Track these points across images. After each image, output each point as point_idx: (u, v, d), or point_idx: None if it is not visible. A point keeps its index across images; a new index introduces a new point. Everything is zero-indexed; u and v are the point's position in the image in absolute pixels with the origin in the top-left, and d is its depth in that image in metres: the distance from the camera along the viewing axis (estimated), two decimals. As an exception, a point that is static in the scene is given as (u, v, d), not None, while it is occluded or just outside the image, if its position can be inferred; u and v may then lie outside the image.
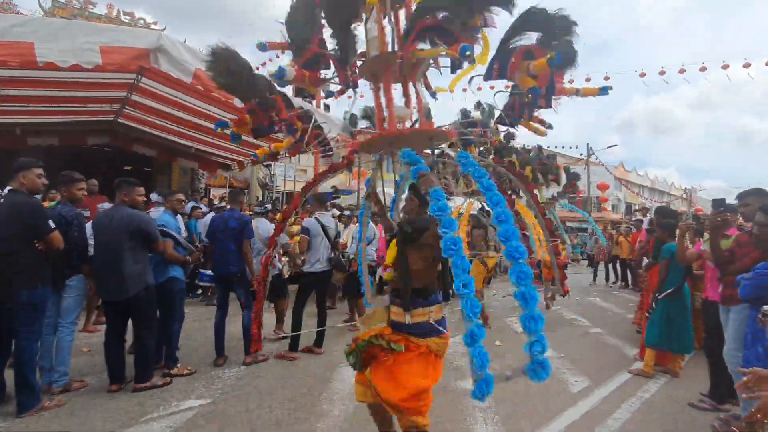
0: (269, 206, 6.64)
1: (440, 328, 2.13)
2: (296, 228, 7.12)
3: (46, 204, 4.10)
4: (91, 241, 3.45)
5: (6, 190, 2.94)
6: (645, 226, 8.30)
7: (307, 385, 3.66)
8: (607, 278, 11.65)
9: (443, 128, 2.48)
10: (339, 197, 14.78)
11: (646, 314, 4.27)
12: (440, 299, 2.21)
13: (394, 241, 2.23)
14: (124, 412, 3.07)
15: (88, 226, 3.63)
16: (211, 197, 11.21)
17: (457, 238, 1.75)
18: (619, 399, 3.55)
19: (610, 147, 52.43)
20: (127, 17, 12.40)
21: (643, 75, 11.02)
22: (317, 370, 4.05)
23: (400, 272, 2.14)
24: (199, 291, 6.74)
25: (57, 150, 8.58)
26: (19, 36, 4.26)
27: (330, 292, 6.44)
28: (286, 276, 4.99)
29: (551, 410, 3.26)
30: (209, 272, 3.90)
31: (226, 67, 2.71)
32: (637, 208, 18.19)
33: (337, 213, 7.13)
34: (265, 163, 9.02)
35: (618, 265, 10.96)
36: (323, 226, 4.47)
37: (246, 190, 12.18)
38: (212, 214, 6.28)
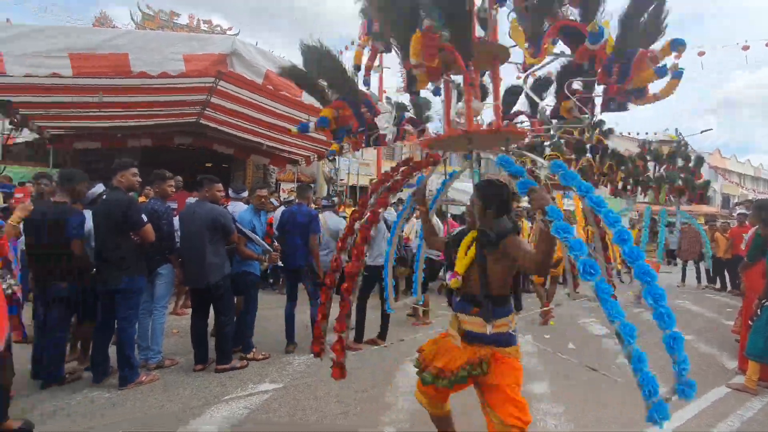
0: (336, 200, 6.81)
1: (517, 335, 2.08)
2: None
3: (142, 200, 4.56)
4: (179, 233, 3.79)
5: (108, 188, 3.32)
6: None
7: (372, 377, 3.72)
8: (698, 279, 10.46)
9: (522, 127, 2.28)
10: (401, 190, 14.79)
11: (749, 321, 3.76)
12: (513, 308, 2.13)
13: (466, 247, 2.12)
14: (208, 390, 3.35)
15: (176, 219, 3.98)
16: (281, 191, 11.80)
17: (596, 265, 1.57)
18: (714, 417, 3.16)
19: (704, 131, 46.82)
20: (206, 25, 13.37)
21: (746, 48, 9.63)
22: (381, 362, 4.10)
23: (479, 280, 2.04)
24: (271, 280, 7.13)
25: (150, 150, 9.54)
26: (116, 48, 4.71)
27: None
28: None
29: (633, 425, 2.99)
30: (279, 264, 4.10)
31: (320, 63, 2.54)
32: (738, 200, 16.02)
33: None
34: (330, 158, 9.27)
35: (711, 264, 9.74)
36: (384, 220, 4.49)
37: (312, 185, 12.66)
38: (283, 207, 6.59)
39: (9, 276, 3.19)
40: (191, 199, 5.06)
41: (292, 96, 5.49)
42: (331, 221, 4.69)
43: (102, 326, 3.36)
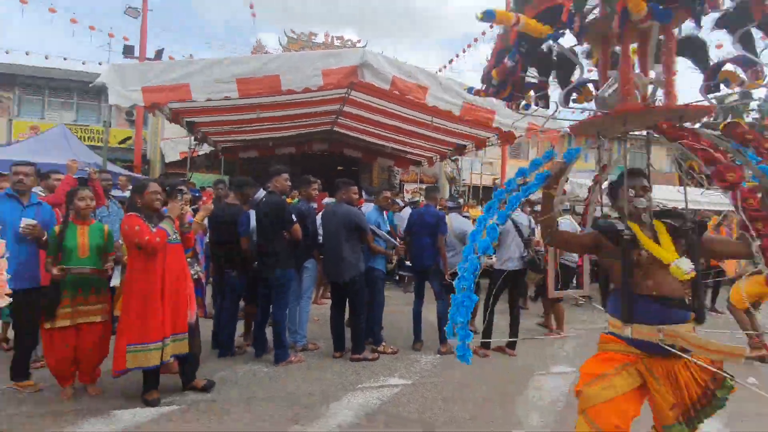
0: (462, 201, 6.75)
1: None
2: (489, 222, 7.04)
3: (289, 201, 5.21)
4: (321, 231, 4.23)
5: (266, 192, 3.88)
6: None
7: (501, 386, 3.59)
8: None
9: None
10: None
11: None
12: None
13: (665, 240, 1.80)
14: (344, 376, 3.65)
15: (318, 218, 4.44)
16: (404, 192, 12.19)
17: None
18: None
19: None
20: (339, 41, 14.54)
21: None
22: (510, 372, 3.93)
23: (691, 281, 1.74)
24: (396, 278, 7.42)
25: (294, 156, 10.83)
26: (270, 71, 5.41)
27: (521, 291, 6.15)
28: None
29: None
30: (408, 263, 4.25)
31: None
32: None
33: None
34: (452, 158, 9.24)
35: None
36: (514, 223, 4.28)
37: (436, 185, 12.80)
38: (408, 208, 6.81)
39: (196, 264, 3.98)
40: (328, 200, 5.57)
41: (416, 99, 5.63)
42: (457, 223, 4.66)
43: (261, 310, 3.94)
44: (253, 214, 3.91)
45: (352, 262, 3.87)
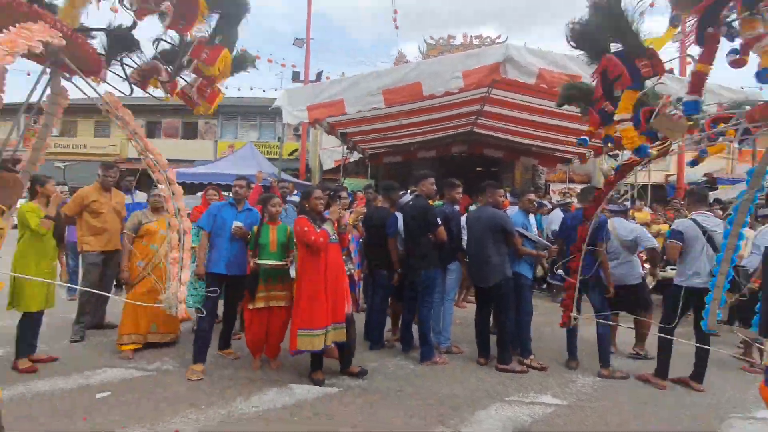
0: (628, 203, 5.89)
1: None
2: (661, 228, 6.00)
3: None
4: (464, 235, 4.21)
5: (413, 195, 4.04)
6: None
7: (682, 424, 3.01)
8: None
9: None
10: (716, 188, 11.38)
11: None
12: None
13: None
14: (490, 385, 3.55)
15: (463, 221, 4.42)
16: (551, 192, 11.23)
17: None
18: None
19: None
20: (477, 40, 14.27)
21: None
22: (694, 409, 3.25)
23: None
24: (544, 286, 6.88)
25: (434, 160, 11.06)
26: (411, 79, 5.62)
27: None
28: (651, 285, 4.28)
29: None
30: (561, 273, 3.88)
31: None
32: None
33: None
34: (611, 153, 8.13)
35: None
36: (705, 231, 3.51)
37: (591, 186, 11.47)
38: (558, 210, 6.26)
39: (349, 262, 4.37)
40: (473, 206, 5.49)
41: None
42: (622, 228, 4.08)
43: (408, 308, 4.11)
44: (400, 216, 4.11)
45: (498, 266, 3.74)
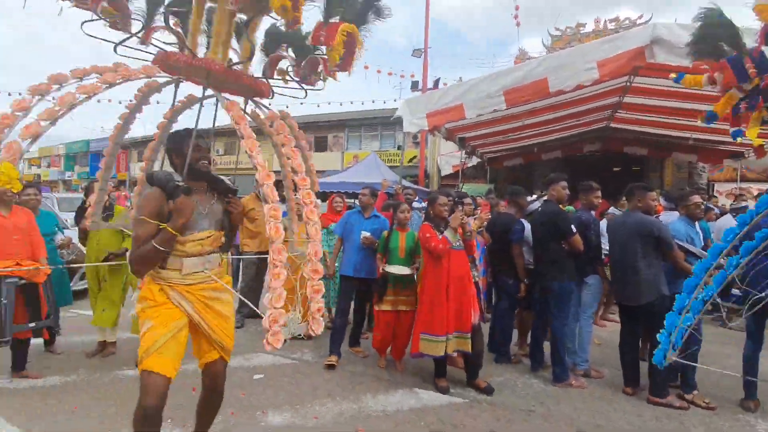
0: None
1: None
2: None
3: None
4: (605, 245, 3.75)
5: (542, 201, 3.75)
6: None
7: None
8: None
9: None
10: None
11: None
12: None
13: None
14: (640, 420, 3.07)
15: (603, 228, 3.95)
16: (715, 194, 9.34)
17: None
18: None
19: None
20: (613, 23, 12.74)
21: None
22: None
23: None
24: (710, 307, 5.71)
25: (560, 161, 10.17)
26: (536, 76, 5.26)
27: None
28: None
29: None
30: (737, 292, 3.15)
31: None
32: None
33: None
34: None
35: None
36: None
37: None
38: (729, 215, 5.16)
39: (474, 269, 4.26)
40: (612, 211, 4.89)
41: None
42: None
43: (539, 322, 3.82)
44: (527, 223, 3.86)
45: (650, 282, 3.22)
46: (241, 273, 5.44)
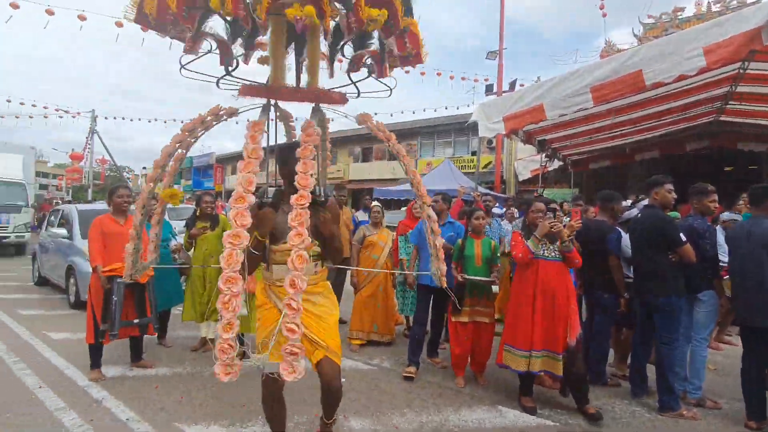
0: None
1: None
2: None
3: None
4: (723, 256, 3.26)
5: (642, 206, 3.37)
6: None
7: None
8: None
9: None
10: None
11: None
12: None
13: None
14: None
15: (721, 238, 3.45)
16: None
17: None
18: None
19: None
20: (718, 5, 11.28)
21: None
22: None
23: None
24: None
25: (657, 161, 9.16)
26: (629, 69, 4.79)
27: None
28: None
29: None
30: None
31: None
32: None
33: None
34: None
35: None
36: None
37: None
38: None
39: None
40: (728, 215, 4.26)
41: None
42: None
43: (641, 342, 3.40)
44: (622, 230, 3.50)
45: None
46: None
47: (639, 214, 3.40)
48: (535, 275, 3.10)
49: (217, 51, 2.31)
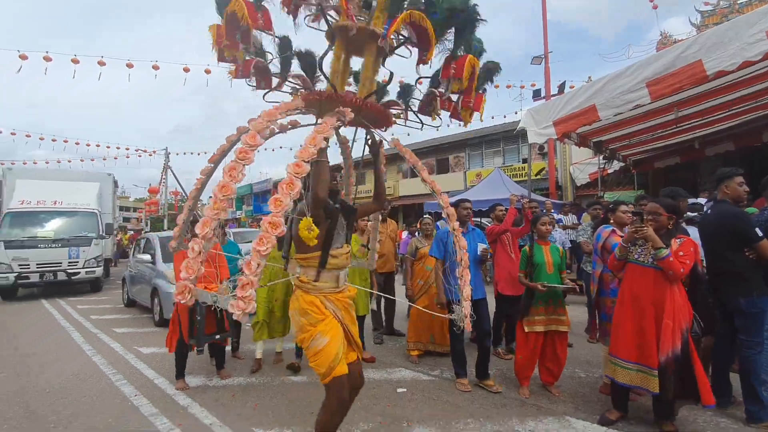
0: None
1: None
2: None
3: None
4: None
5: (712, 201, 3.17)
6: None
7: None
8: None
9: None
10: None
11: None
12: None
13: None
14: None
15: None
16: None
17: None
18: None
19: None
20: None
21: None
22: None
23: None
24: None
25: (732, 154, 8.40)
26: (687, 59, 4.54)
27: None
28: None
29: None
30: None
31: None
32: None
33: None
34: None
35: None
36: None
37: None
38: None
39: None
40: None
41: None
42: None
43: (721, 348, 3.15)
44: (692, 229, 3.31)
45: None
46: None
47: (709, 211, 3.20)
48: (629, 282, 2.90)
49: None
